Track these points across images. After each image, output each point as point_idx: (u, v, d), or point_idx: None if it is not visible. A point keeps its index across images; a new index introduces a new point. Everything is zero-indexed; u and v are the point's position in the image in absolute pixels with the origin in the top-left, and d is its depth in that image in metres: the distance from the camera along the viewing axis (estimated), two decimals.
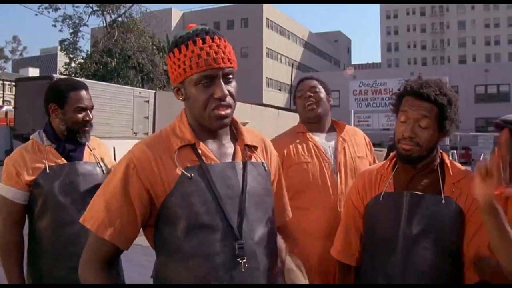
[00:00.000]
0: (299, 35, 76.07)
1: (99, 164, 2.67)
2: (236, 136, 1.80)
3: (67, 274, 2.37)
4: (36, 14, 32.60)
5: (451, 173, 2.12)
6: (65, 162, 2.55)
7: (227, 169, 1.67)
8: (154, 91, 25.62)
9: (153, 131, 23.52)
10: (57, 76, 21.59)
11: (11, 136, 22.85)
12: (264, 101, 52.04)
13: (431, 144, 2.08)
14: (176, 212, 1.60)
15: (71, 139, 2.59)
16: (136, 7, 34.20)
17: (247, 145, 1.77)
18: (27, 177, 2.46)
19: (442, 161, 2.18)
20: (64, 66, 34.37)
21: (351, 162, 2.87)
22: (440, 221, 2.04)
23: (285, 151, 2.87)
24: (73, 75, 31.54)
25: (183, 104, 1.72)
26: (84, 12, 33.82)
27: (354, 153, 2.92)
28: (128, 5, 33.65)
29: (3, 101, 48.21)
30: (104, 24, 33.94)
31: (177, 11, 67.98)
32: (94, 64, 31.30)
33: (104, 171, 2.65)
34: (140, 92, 24.55)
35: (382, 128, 26.12)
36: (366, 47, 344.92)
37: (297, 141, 2.93)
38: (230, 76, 1.67)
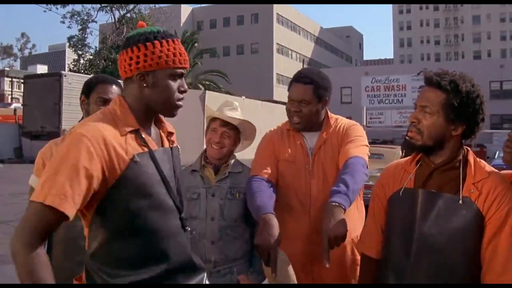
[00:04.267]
0: (310, 30, 75.77)
1: None
2: (155, 123, 1.99)
3: (74, 266, 2.42)
4: (45, 11, 32.89)
5: (473, 173, 2.07)
6: None
7: (163, 154, 1.91)
8: None
9: None
10: (65, 73, 21.47)
11: (20, 134, 22.85)
12: (275, 98, 51.81)
13: (434, 133, 2.06)
14: (127, 195, 1.75)
15: None
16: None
17: (169, 132, 2.03)
18: None
19: (467, 159, 2.12)
20: (73, 63, 34.42)
21: (328, 163, 2.79)
22: (456, 221, 2.00)
23: (274, 144, 2.90)
24: (81, 71, 31.54)
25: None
26: (93, 8, 33.91)
27: (335, 152, 2.80)
28: None
29: (12, 98, 48.42)
30: (113, 20, 33.94)
31: (186, 7, 67.86)
32: (102, 61, 31.42)
33: None
34: None
35: (395, 125, 25.81)
36: (378, 42, 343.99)
37: (288, 138, 2.90)
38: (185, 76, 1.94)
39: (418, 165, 2.20)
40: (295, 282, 2.41)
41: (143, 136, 1.84)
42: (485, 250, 2.00)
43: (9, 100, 44.65)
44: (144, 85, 1.84)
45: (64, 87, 19.63)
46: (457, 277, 2.01)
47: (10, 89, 52.44)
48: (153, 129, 1.95)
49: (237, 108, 2.87)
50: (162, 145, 1.96)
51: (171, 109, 1.90)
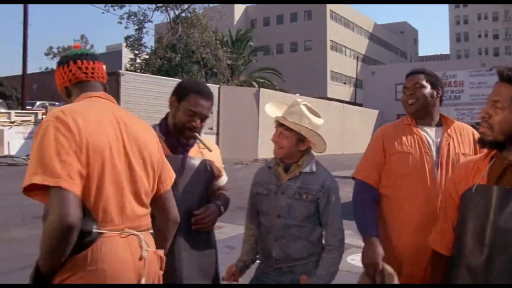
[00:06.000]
0: (364, 26, 74.79)
1: (205, 161, 2.85)
2: None
3: None
4: (103, 12, 33.62)
5: None
6: (170, 154, 2.70)
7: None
8: (218, 86, 25.70)
9: (218, 125, 23.68)
10: (123, 72, 22.01)
11: None
12: (329, 95, 51.55)
13: (505, 128, 2.03)
14: None
15: (178, 136, 2.79)
16: None
17: None
18: None
19: None
20: (130, 62, 35.13)
21: (454, 158, 2.86)
22: None
23: (384, 140, 3.01)
24: (138, 70, 32.19)
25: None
26: (149, 8, 34.50)
27: (459, 149, 2.91)
28: None
29: None
30: (168, 20, 34.47)
31: (239, 5, 68.18)
32: (158, 60, 31.87)
33: (208, 169, 2.85)
34: None
35: None
36: (434, 37, 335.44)
37: (403, 132, 3.00)
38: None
39: (491, 161, 2.16)
40: None
41: None
42: None
43: None
44: None
45: (122, 85, 20.12)
46: None
47: None
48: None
49: (297, 112, 2.84)
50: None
51: None
